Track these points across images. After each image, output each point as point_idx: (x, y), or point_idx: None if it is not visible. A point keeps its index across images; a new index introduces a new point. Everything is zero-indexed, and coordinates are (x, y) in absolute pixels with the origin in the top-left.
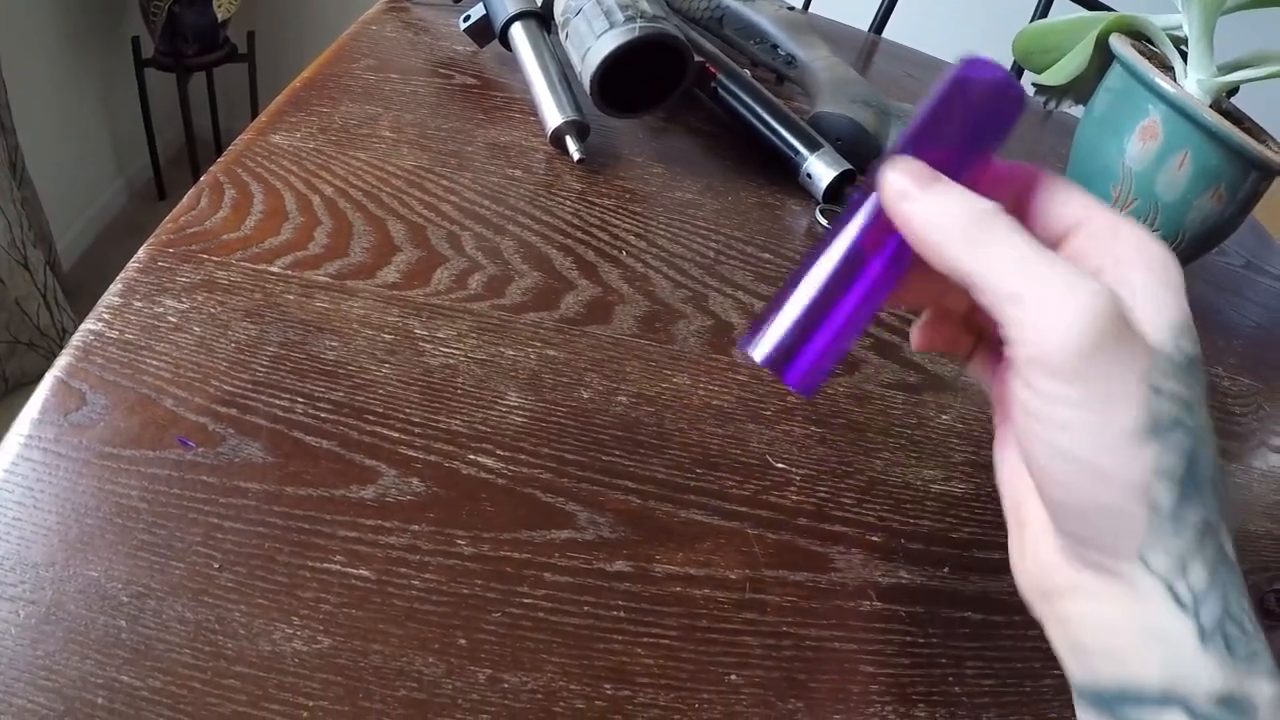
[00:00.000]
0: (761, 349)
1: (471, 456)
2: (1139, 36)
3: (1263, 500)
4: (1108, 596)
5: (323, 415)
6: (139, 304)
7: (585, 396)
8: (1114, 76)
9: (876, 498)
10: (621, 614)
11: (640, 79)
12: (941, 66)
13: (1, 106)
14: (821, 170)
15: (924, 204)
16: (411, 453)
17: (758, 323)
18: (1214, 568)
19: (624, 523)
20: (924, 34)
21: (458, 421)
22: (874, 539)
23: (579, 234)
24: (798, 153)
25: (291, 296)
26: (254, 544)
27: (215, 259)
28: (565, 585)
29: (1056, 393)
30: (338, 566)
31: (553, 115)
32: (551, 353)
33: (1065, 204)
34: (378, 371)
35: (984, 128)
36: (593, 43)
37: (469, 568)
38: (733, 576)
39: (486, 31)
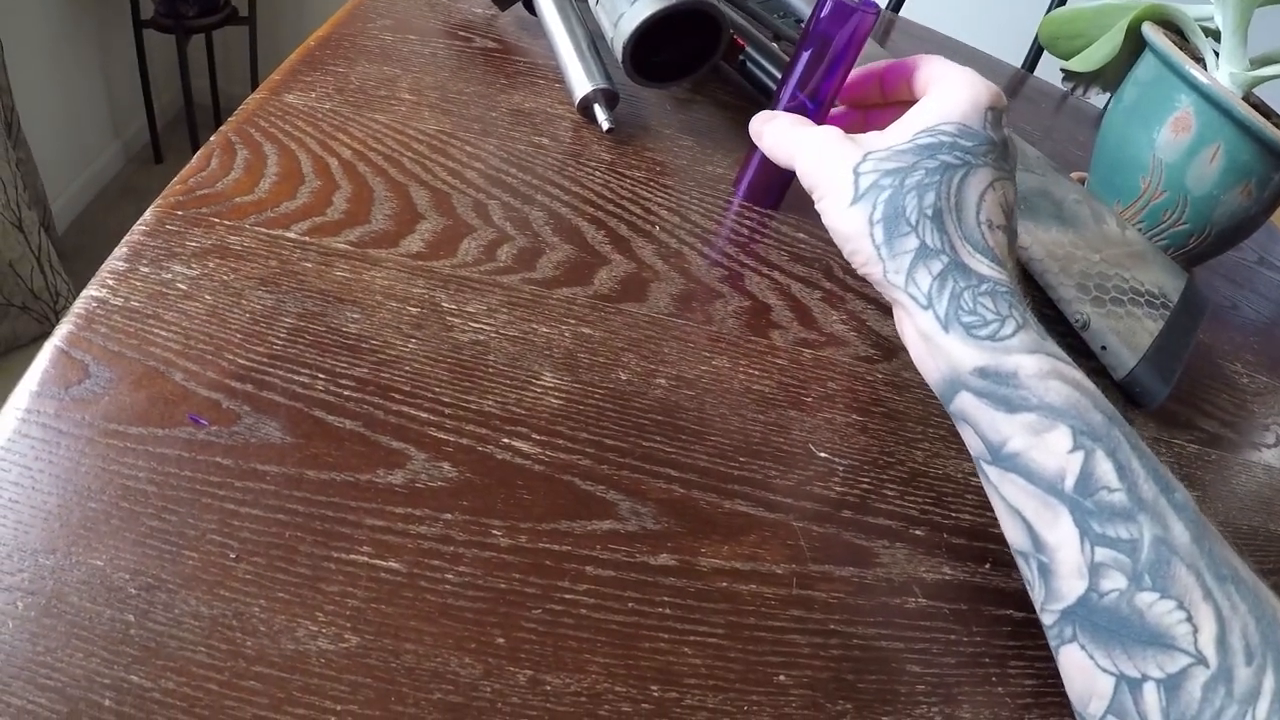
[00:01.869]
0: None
1: (506, 440)
2: (1170, 26)
3: None
4: (899, 318)
5: (346, 393)
6: (146, 269)
7: (623, 378)
8: (1145, 66)
9: (919, 490)
10: (667, 610)
11: (671, 49)
12: (956, 47)
13: None
14: None
15: (765, 137)
16: (442, 435)
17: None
18: (941, 275)
19: (667, 513)
20: (942, 14)
21: (490, 402)
22: (917, 533)
23: (610, 206)
24: None
25: (310, 264)
26: (273, 532)
27: (228, 223)
28: (608, 580)
29: (820, 205)
30: (365, 558)
31: (581, 83)
32: (587, 330)
33: (927, 67)
34: (404, 347)
35: (842, 42)
36: (626, 9)
37: (506, 560)
38: (779, 571)
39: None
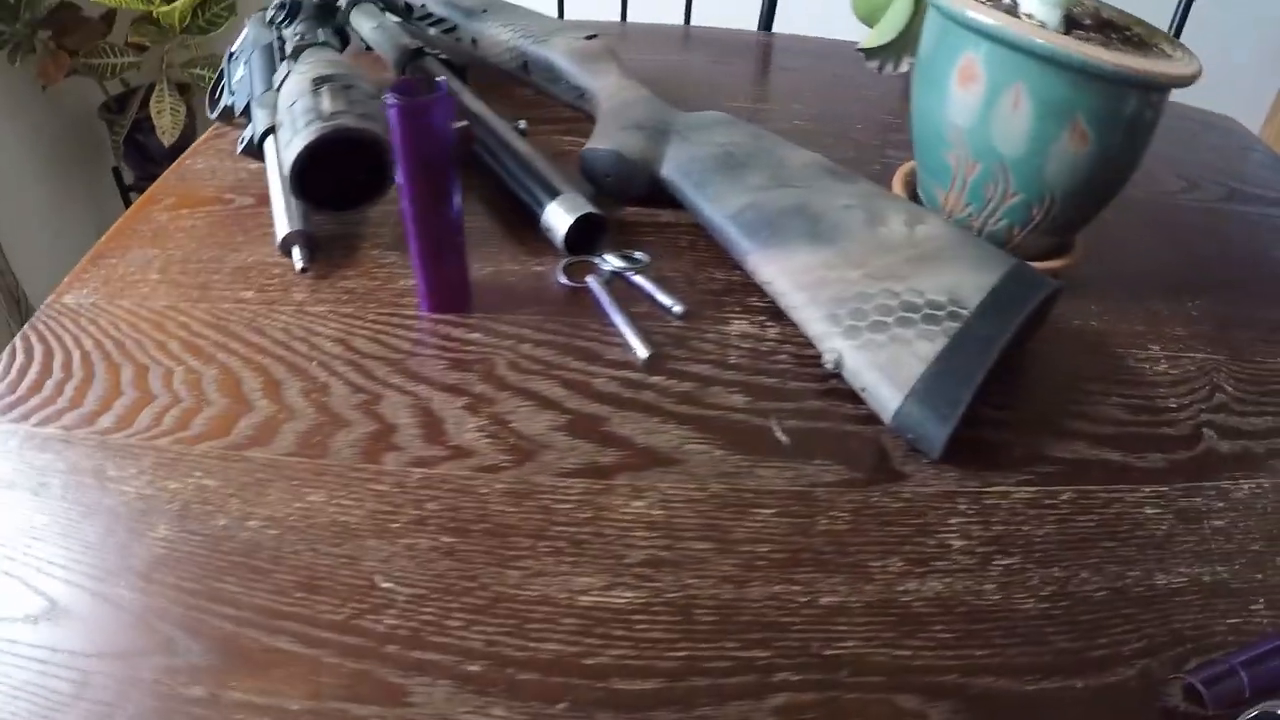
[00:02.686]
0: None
1: (113, 589)
2: None
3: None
4: None
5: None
6: None
7: (221, 524)
8: (929, 20)
9: (495, 617)
10: None
11: (365, 167)
12: (837, 46)
13: None
14: (558, 219)
15: None
16: (73, 579)
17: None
18: None
19: (215, 649)
20: (822, 16)
21: (109, 553)
22: (471, 669)
23: (280, 350)
24: (539, 203)
25: (30, 452)
26: None
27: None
28: (151, 709)
29: None
30: None
31: (281, 226)
32: (208, 481)
33: None
34: (65, 513)
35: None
36: (285, 154)
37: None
38: (293, 708)
39: (257, 146)
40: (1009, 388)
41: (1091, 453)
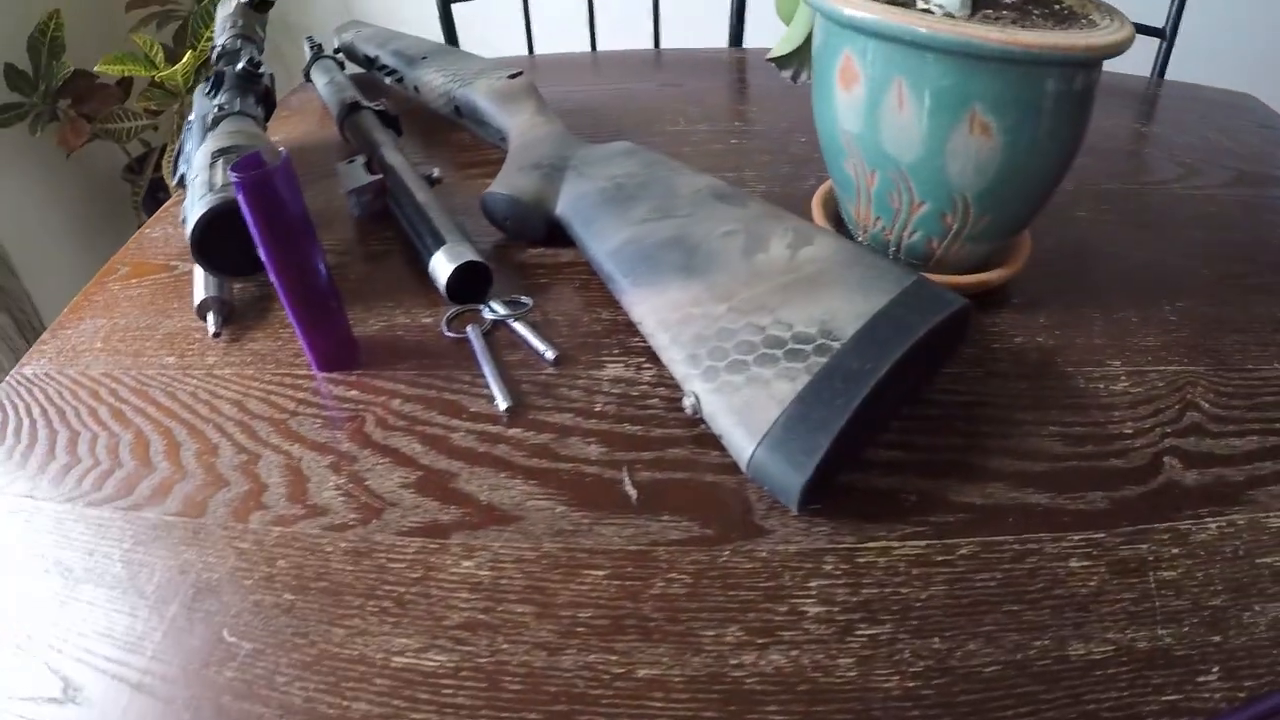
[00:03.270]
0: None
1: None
2: None
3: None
4: None
5: None
6: None
7: (113, 574)
8: (816, 21)
9: (317, 674)
10: None
11: None
12: None
13: (30, 316)
14: (440, 268)
15: None
16: None
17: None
18: None
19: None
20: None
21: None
22: None
23: (186, 413)
24: (427, 251)
25: None
26: None
27: None
28: None
29: None
30: None
31: (198, 293)
32: (99, 543)
33: None
34: None
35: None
36: (186, 225)
37: None
38: None
39: None
40: (912, 424)
41: (1009, 496)
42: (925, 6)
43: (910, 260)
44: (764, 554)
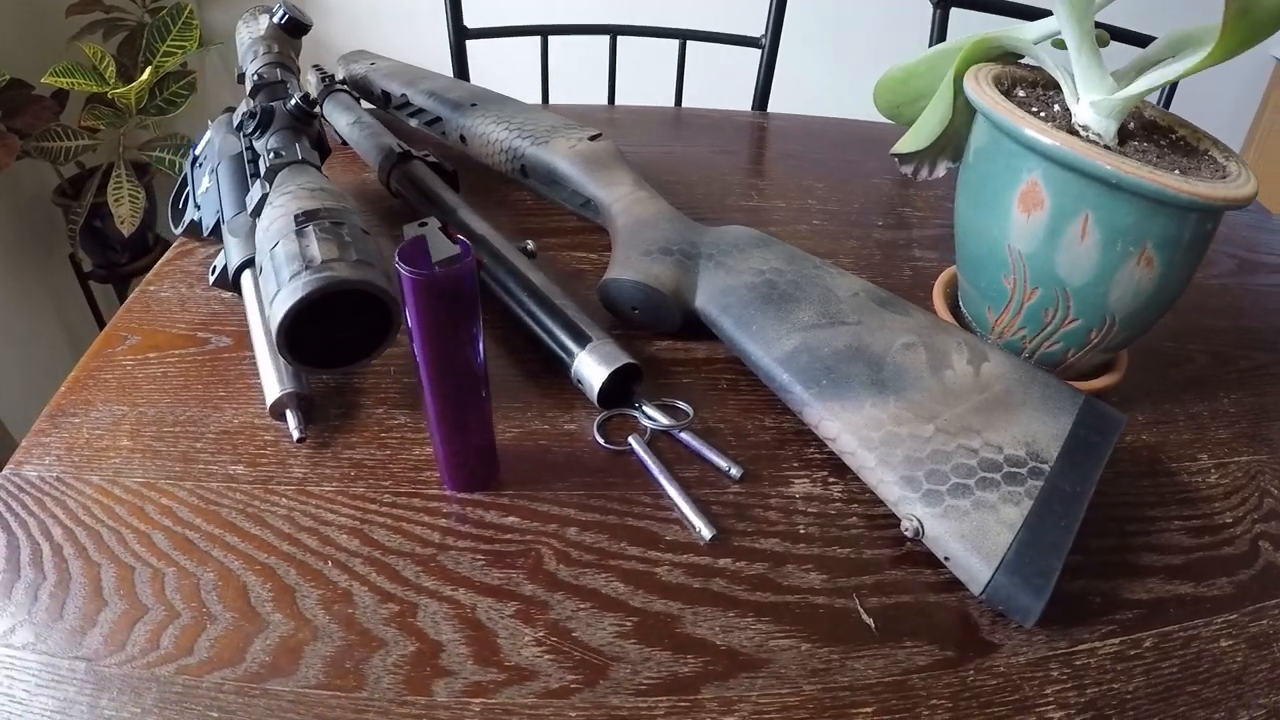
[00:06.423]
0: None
1: None
2: (1016, 57)
3: None
4: None
5: None
6: None
7: None
8: (979, 129)
9: None
10: None
11: (354, 322)
12: (843, 125)
13: None
14: (591, 372)
15: None
16: None
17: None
18: None
19: None
20: (813, 96)
21: None
22: None
23: (286, 545)
24: (568, 352)
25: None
26: None
27: None
28: None
29: None
30: None
31: (271, 387)
32: None
33: None
34: None
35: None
36: (270, 309)
37: None
38: None
39: (232, 281)
40: (1081, 528)
41: (1166, 589)
42: (1087, 135)
43: (1041, 364)
44: (1001, 668)
